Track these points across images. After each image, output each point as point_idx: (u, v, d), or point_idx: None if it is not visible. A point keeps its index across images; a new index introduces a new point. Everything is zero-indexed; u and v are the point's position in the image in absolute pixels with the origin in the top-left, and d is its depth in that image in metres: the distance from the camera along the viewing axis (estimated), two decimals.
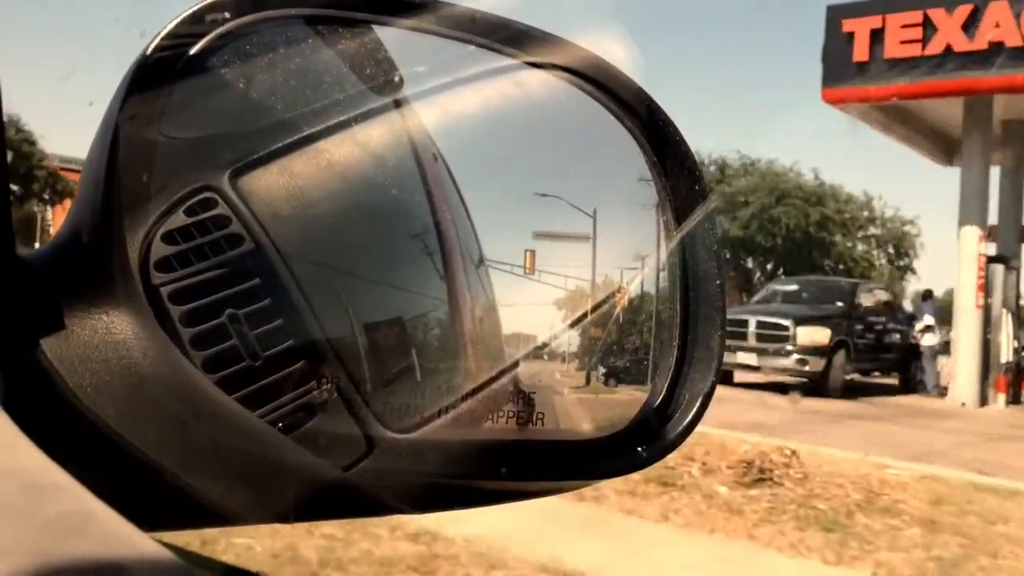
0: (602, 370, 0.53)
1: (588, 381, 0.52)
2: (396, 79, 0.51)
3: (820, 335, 13.49)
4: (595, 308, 0.52)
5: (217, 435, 0.39)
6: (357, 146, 0.49)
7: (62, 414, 0.37)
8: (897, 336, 15.66)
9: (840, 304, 14.60)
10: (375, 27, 0.49)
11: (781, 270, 41.47)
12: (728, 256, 41.28)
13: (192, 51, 0.43)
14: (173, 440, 0.38)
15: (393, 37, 0.50)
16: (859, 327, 14.57)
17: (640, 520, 4.75)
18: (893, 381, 16.18)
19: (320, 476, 0.42)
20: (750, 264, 43.30)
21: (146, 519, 0.34)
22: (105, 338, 0.38)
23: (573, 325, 0.52)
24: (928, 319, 15.69)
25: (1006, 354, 14.19)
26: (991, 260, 14.31)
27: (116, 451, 0.37)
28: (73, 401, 0.37)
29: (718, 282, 0.54)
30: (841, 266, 40.57)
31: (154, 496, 0.38)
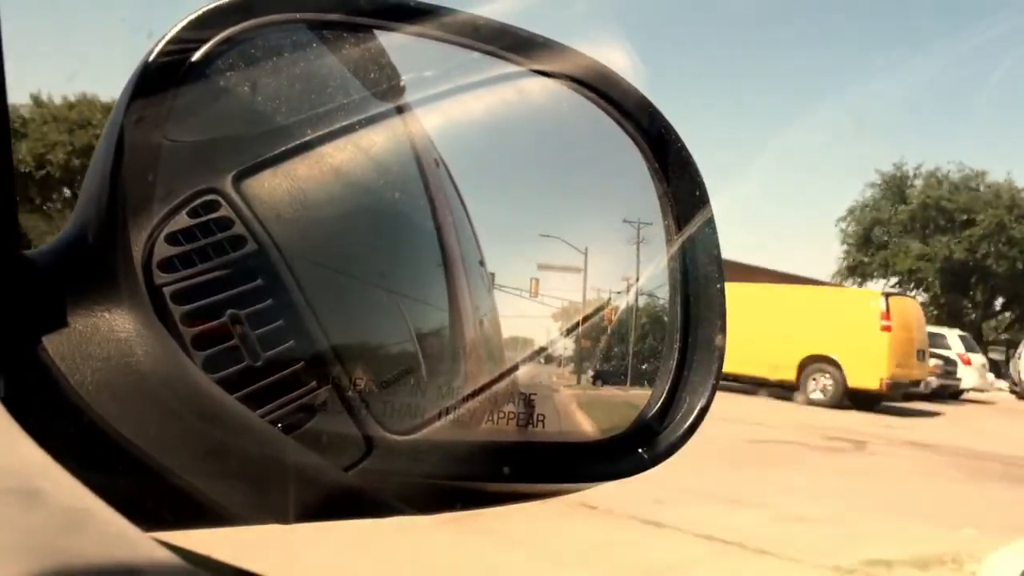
0: (591, 373, 0.56)
1: (578, 381, 0.55)
2: (399, 85, 0.52)
3: None
4: (585, 320, 0.55)
5: (218, 434, 0.39)
6: (360, 151, 0.50)
7: (62, 411, 0.37)
8: None
9: None
10: (378, 33, 0.50)
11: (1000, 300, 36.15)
12: (941, 285, 35.62)
13: (196, 55, 0.43)
14: (174, 439, 0.39)
15: (397, 43, 0.50)
16: None
17: None
18: None
19: (321, 477, 0.42)
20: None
21: (145, 518, 0.34)
22: (107, 336, 0.38)
23: (567, 335, 0.55)
24: None
25: None
26: None
27: (116, 449, 0.37)
28: (74, 398, 0.37)
29: (719, 286, 0.55)
30: None
31: (154, 495, 0.38)
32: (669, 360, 0.55)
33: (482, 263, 0.55)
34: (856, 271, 38.15)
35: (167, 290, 0.41)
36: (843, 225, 38.57)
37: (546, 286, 0.53)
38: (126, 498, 0.29)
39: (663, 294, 0.57)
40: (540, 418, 0.52)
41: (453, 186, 0.57)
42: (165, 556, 0.25)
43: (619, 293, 0.57)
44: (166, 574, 0.24)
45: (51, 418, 0.36)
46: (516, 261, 0.56)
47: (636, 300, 0.57)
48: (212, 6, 0.44)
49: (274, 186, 0.46)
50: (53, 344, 0.37)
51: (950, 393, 18.71)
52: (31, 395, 0.36)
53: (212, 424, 0.39)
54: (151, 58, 0.42)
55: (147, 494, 0.38)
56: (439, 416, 0.48)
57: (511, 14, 0.52)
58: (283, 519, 0.41)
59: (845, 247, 38.74)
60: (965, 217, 34.83)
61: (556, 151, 0.58)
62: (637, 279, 0.57)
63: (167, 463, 0.38)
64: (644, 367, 0.56)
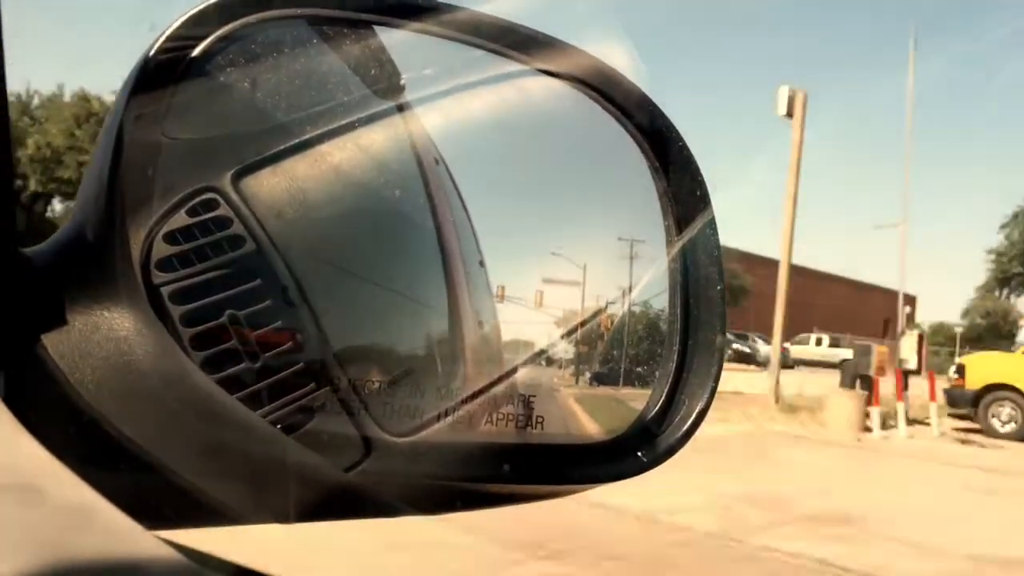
0: (588, 376, 0.56)
1: (577, 382, 0.56)
2: (399, 82, 0.51)
3: None
4: (583, 324, 0.56)
5: (218, 433, 0.39)
6: (360, 149, 0.49)
7: (62, 409, 0.37)
8: None
9: None
10: (379, 29, 0.50)
11: None
12: None
13: (195, 52, 0.43)
14: (174, 437, 0.38)
15: (397, 40, 0.50)
16: None
17: None
18: None
19: (322, 476, 0.42)
20: None
21: (147, 516, 0.34)
22: (107, 334, 0.38)
23: (566, 338, 0.56)
24: None
25: None
26: None
27: (117, 448, 0.37)
28: (73, 397, 0.37)
29: (719, 287, 0.55)
30: None
31: (155, 493, 0.38)
32: (668, 362, 0.55)
33: (482, 263, 0.55)
34: (1008, 283, 34.09)
35: (165, 290, 0.41)
36: (1007, 232, 33.93)
37: (548, 296, 0.55)
38: (127, 496, 0.29)
39: (660, 301, 0.58)
40: (539, 420, 0.51)
41: (453, 185, 0.56)
42: (168, 553, 0.25)
43: (614, 303, 0.57)
44: (169, 571, 0.24)
45: (51, 416, 0.36)
46: (516, 261, 0.56)
47: (628, 308, 0.58)
48: (211, 2, 0.44)
49: (273, 185, 0.46)
50: (53, 342, 0.37)
51: None
52: (31, 393, 0.36)
53: (212, 423, 0.39)
54: (150, 54, 0.42)
55: (148, 492, 0.38)
56: (438, 418, 0.48)
57: (512, 13, 0.52)
58: (283, 518, 0.41)
59: (993, 256, 34.49)
60: None
61: (557, 149, 0.58)
62: (630, 288, 0.57)
63: (167, 462, 0.38)
64: (640, 370, 0.57)
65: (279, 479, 0.40)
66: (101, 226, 0.40)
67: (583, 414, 0.56)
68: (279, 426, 0.41)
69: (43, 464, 0.27)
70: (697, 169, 0.56)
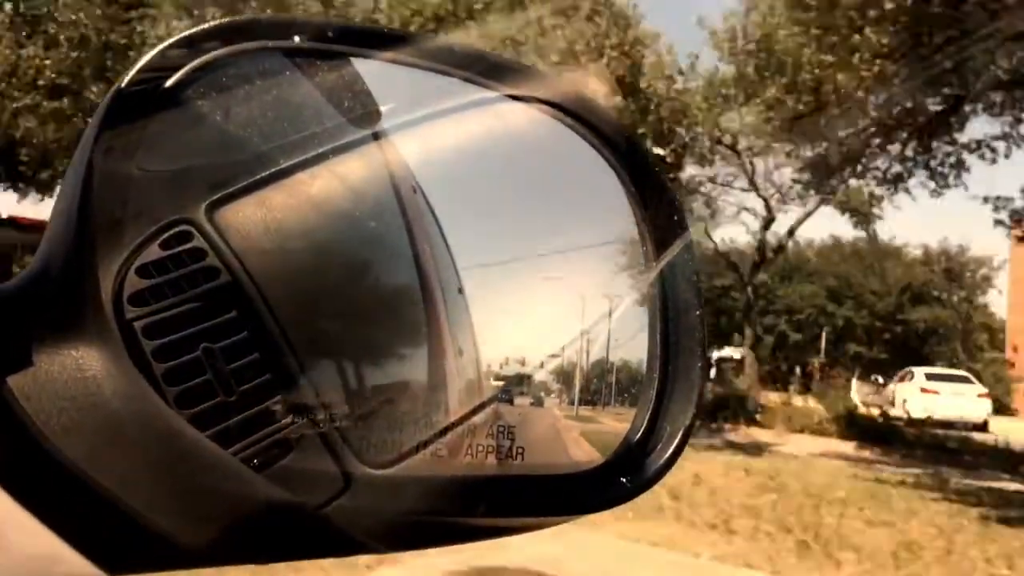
0: (568, 400, 0.58)
1: (562, 403, 0.59)
2: (375, 111, 0.51)
3: None
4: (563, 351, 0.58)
5: (188, 473, 0.38)
6: (336, 179, 0.49)
7: (28, 454, 0.36)
8: None
9: None
10: (354, 60, 0.50)
11: None
12: None
13: (168, 83, 0.43)
14: (142, 480, 0.37)
15: (372, 70, 0.50)
16: None
17: None
18: None
19: (294, 515, 0.41)
20: None
21: (114, 562, 0.33)
22: (74, 375, 0.37)
23: (545, 368, 0.58)
24: None
25: None
26: None
27: (84, 492, 0.36)
28: (40, 440, 0.36)
29: (698, 313, 0.55)
30: None
31: (122, 538, 0.37)
32: (649, 389, 0.55)
33: (461, 291, 0.55)
34: None
35: (138, 324, 0.40)
36: None
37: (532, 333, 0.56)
38: (94, 541, 0.28)
39: (622, 352, 0.59)
40: (520, 451, 0.51)
41: (431, 212, 0.56)
42: None
43: (589, 334, 0.58)
44: None
45: (16, 462, 0.35)
46: (494, 288, 0.56)
47: (609, 343, 0.58)
48: (184, 35, 0.44)
49: (248, 216, 0.45)
50: (18, 384, 0.36)
51: None
52: None
53: (182, 463, 0.38)
54: (122, 86, 0.42)
55: (116, 536, 0.37)
56: (417, 449, 0.47)
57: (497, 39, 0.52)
58: (255, 559, 0.40)
59: None
60: None
61: (535, 176, 0.58)
62: (609, 321, 0.58)
63: (136, 504, 0.37)
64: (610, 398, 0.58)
65: (250, 518, 0.39)
66: (70, 261, 0.39)
67: (566, 449, 0.57)
68: (254, 461, 0.41)
69: (7, 512, 0.26)
70: (674, 196, 0.56)
